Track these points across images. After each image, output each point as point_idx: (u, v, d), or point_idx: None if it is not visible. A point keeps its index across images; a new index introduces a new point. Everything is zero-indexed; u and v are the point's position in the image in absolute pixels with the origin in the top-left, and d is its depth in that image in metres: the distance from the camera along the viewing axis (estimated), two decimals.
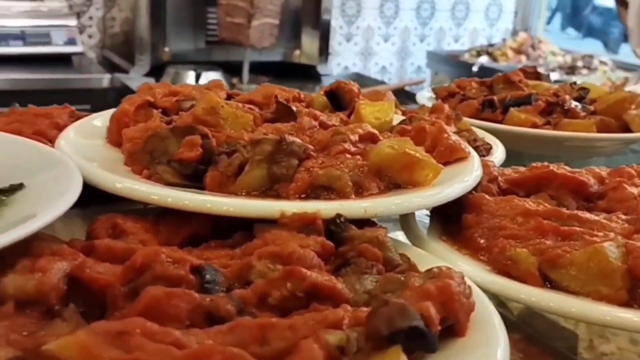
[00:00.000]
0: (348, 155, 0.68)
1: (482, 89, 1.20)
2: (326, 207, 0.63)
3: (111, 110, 0.83)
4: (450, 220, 0.73)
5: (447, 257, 0.65)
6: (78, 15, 3.76)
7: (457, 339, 0.52)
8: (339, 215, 0.62)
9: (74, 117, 0.91)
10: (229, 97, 0.88)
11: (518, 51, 4.26)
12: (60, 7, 3.75)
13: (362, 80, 3.99)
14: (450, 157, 0.75)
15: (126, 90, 3.33)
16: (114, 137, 0.78)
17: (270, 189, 0.66)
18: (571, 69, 3.98)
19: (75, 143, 0.75)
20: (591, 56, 4.01)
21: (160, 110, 0.78)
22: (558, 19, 6.00)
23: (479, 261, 0.66)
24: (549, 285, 0.61)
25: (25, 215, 0.58)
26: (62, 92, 3.21)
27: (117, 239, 0.62)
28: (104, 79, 3.40)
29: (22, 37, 3.49)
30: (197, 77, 3.49)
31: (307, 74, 3.80)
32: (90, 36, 3.91)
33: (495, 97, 1.11)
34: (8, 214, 0.60)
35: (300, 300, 0.53)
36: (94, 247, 0.58)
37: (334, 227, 0.61)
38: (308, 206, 0.63)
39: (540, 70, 4.29)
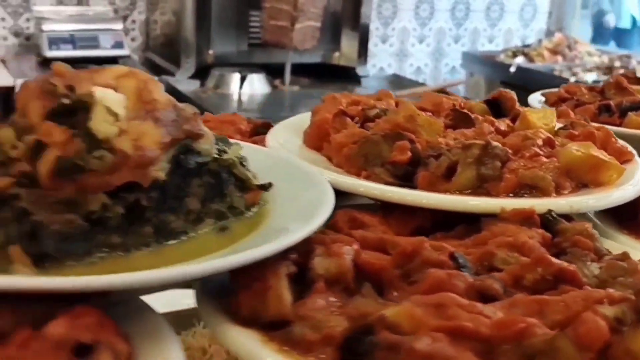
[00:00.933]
0: (543, 158, 0.79)
1: (594, 94, 1.31)
2: (538, 204, 0.73)
3: (300, 116, 0.94)
4: (622, 216, 0.84)
5: None
6: (124, 19, 3.87)
7: None
8: (550, 211, 0.73)
9: (252, 124, 1.02)
10: (396, 104, 0.99)
11: (554, 52, 4.35)
12: (105, 10, 3.87)
13: (400, 81, 4.10)
14: (618, 159, 0.85)
15: (173, 92, 3.44)
16: (313, 141, 0.89)
17: (479, 188, 0.77)
18: (609, 69, 4.07)
19: (286, 147, 0.85)
20: (629, 56, 4.10)
21: (356, 119, 0.89)
22: None
23: None
24: None
25: (287, 215, 0.69)
26: None
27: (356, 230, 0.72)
28: None
29: (71, 40, 3.60)
30: (242, 80, 3.59)
31: (346, 76, 3.90)
32: (133, 39, 4.01)
33: (611, 102, 1.21)
34: (273, 211, 0.71)
35: (549, 283, 0.63)
36: (351, 236, 0.69)
37: (548, 221, 0.72)
38: (523, 203, 0.73)
39: (578, 70, 4.34)
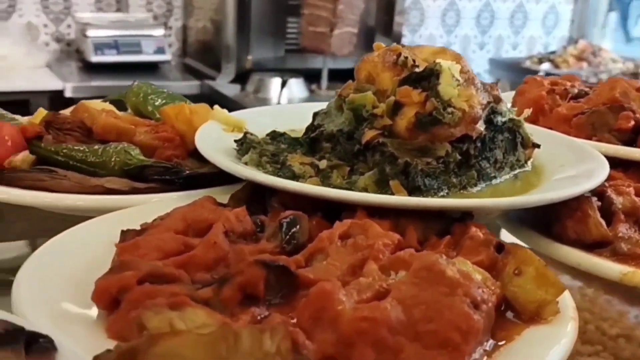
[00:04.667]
0: None
1: None
2: None
3: None
4: None
5: None
6: (165, 26, 4.03)
7: None
8: None
9: None
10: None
11: (579, 58, 4.58)
12: (146, 17, 4.03)
13: None
14: None
15: (217, 95, 3.61)
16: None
17: None
18: (634, 75, 4.31)
19: None
20: None
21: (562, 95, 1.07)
22: None
23: None
24: None
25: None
26: None
27: None
28: (195, 86, 3.69)
29: (115, 46, 3.74)
30: (283, 84, 3.76)
31: None
32: (170, 45, 4.16)
33: None
34: (544, 165, 0.89)
35: None
36: None
37: None
38: None
39: (603, 76, 4.60)
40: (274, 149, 0.83)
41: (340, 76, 3.99)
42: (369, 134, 0.78)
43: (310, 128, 0.85)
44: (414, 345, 0.54)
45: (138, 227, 0.72)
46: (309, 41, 3.83)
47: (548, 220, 0.79)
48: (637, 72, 4.34)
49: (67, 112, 1.01)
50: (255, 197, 0.77)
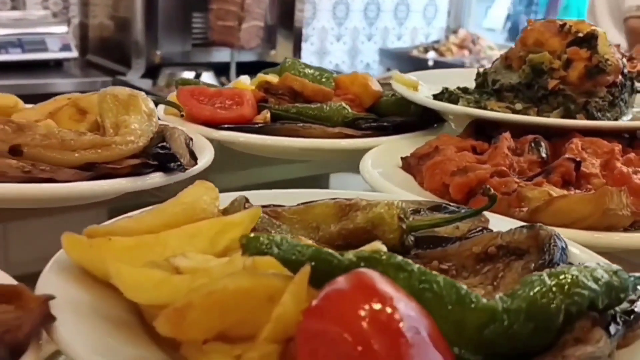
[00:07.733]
0: None
1: None
2: None
3: None
4: None
5: None
6: (68, 23, 4.12)
7: None
8: None
9: None
10: None
11: (460, 46, 5.11)
12: (45, 14, 4.09)
13: None
14: None
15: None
16: None
17: None
18: None
19: None
20: None
21: None
22: None
23: None
24: None
25: None
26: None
27: None
28: (107, 82, 3.82)
29: (19, 44, 3.79)
30: (197, 77, 3.97)
31: None
32: None
33: None
34: None
35: None
36: None
37: None
38: None
39: (485, 62, 5.13)
40: (473, 98, 1.12)
41: (247, 68, 4.25)
42: (552, 82, 1.09)
43: (487, 83, 1.15)
44: None
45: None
46: (218, 35, 4.04)
47: None
48: None
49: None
50: (478, 131, 1.06)
